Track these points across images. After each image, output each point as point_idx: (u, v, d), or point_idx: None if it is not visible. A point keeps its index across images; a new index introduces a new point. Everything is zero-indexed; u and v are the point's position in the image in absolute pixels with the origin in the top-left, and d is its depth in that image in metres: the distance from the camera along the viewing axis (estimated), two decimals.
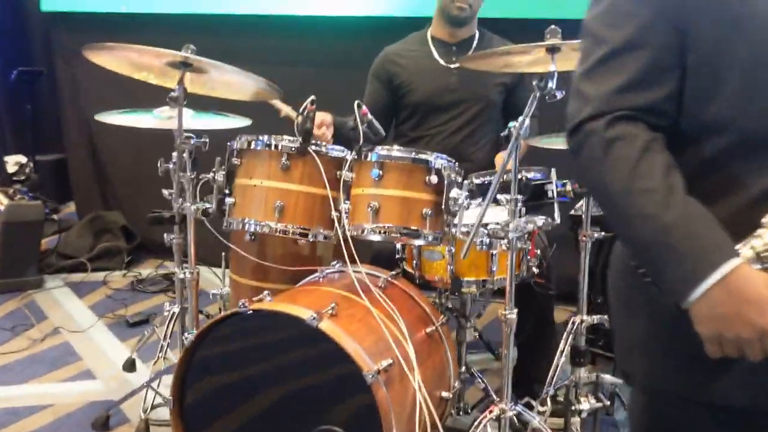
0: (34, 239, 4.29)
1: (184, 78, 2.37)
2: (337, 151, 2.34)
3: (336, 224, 2.29)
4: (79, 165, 5.02)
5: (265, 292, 2.18)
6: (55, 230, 4.78)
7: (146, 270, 4.63)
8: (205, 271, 4.37)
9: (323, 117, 2.71)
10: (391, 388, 2.00)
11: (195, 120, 2.76)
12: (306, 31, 4.22)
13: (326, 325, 2.00)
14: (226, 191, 2.41)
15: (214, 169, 2.45)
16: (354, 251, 2.27)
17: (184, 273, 2.62)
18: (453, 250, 2.38)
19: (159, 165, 2.89)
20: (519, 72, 2.77)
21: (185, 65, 2.37)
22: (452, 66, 3.04)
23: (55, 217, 4.63)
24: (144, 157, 4.76)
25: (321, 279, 2.42)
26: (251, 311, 2.07)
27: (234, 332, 2.14)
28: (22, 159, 5.47)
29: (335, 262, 2.50)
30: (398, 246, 2.58)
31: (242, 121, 2.81)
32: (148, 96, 4.51)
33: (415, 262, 2.51)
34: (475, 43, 3.08)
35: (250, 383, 2.12)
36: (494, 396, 2.63)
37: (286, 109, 2.75)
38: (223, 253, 2.94)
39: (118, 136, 4.84)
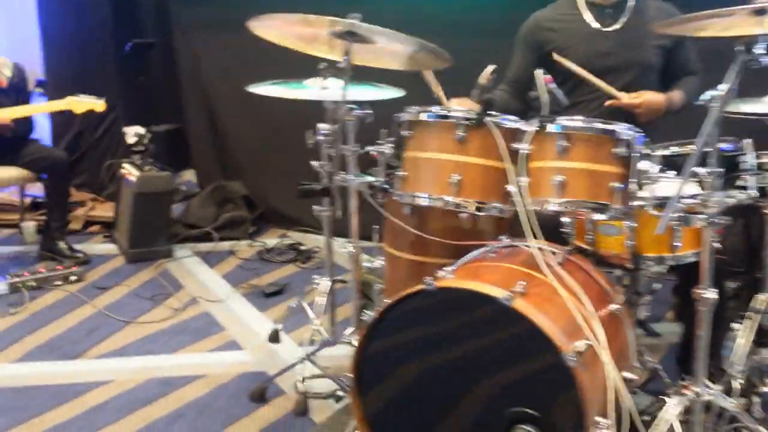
0: (164, 209, 4.35)
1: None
2: (511, 121, 2.24)
3: (514, 198, 2.20)
4: (198, 136, 5.05)
5: (447, 268, 2.12)
6: (179, 199, 4.84)
7: (270, 240, 4.65)
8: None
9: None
10: (587, 370, 1.92)
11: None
12: None
13: (521, 305, 1.93)
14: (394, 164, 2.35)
15: (380, 141, 2.39)
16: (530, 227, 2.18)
17: (345, 247, 2.56)
18: (633, 225, 2.27)
19: (307, 136, 2.85)
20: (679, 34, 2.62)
21: (351, 35, 2.30)
22: (607, 29, 2.89)
23: (183, 187, 4.66)
24: (265, 128, 4.77)
25: (493, 254, 2.34)
26: (439, 289, 2.01)
27: (417, 310, 2.08)
28: (141, 130, 5.52)
29: (503, 237, 2.42)
30: (567, 220, 2.48)
31: (395, 92, 2.74)
32: (264, 66, 4.50)
33: (588, 236, 2.40)
34: (629, 3, 2.92)
35: (434, 364, 2.07)
36: (665, 377, 2.54)
37: (434, 84, 2.68)
38: (375, 227, 2.88)
39: (237, 107, 4.86)
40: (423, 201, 2.27)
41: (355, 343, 2.57)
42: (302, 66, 4.47)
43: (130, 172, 4.37)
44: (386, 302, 2.11)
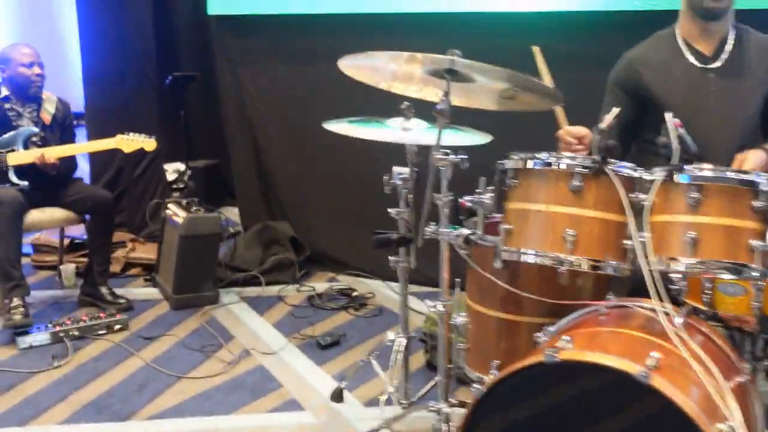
0: (211, 253, 4.14)
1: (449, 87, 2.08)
2: (628, 169, 2.02)
3: (633, 257, 1.97)
4: (243, 173, 4.85)
5: (565, 337, 1.88)
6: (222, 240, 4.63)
7: (318, 284, 4.42)
8: (381, 286, 4.19)
9: (582, 131, 2.41)
10: None
11: (427, 134, 2.50)
12: (512, 29, 3.89)
13: (659, 381, 1.69)
14: (495, 216, 2.13)
15: (478, 190, 2.17)
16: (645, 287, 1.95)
17: (433, 306, 2.33)
18: (762, 285, 2.03)
19: (385, 181, 2.65)
20: None
21: (450, 72, 2.09)
22: (709, 68, 2.67)
23: (231, 229, 4.46)
24: (313, 167, 4.57)
25: (603, 317, 2.11)
26: (562, 361, 1.77)
27: (532, 384, 1.85)
28: (181, 167, 5.36)
29: (609, 296, 2.19)
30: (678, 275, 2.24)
31: (480, 137, 2.53)
32: (317, 102, 4.30)
33: (705, 295, 2.16)
34: (731, 40, 2.70)
35: None
36: None
37: (562, 120, 2.47)
38: (456, 280, 2.64)
39: (284, 144, 4.68)
40: (530, 258, 2.04)
41: (443, 411, 2.35)
42: (356, 103, 4.29)
43: (175, 212, 4.17)
44: (496, 375, 1.88)
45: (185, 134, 5.38)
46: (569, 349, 1.84)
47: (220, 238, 4.16)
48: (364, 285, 4.37)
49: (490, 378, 1.88)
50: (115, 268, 4.58)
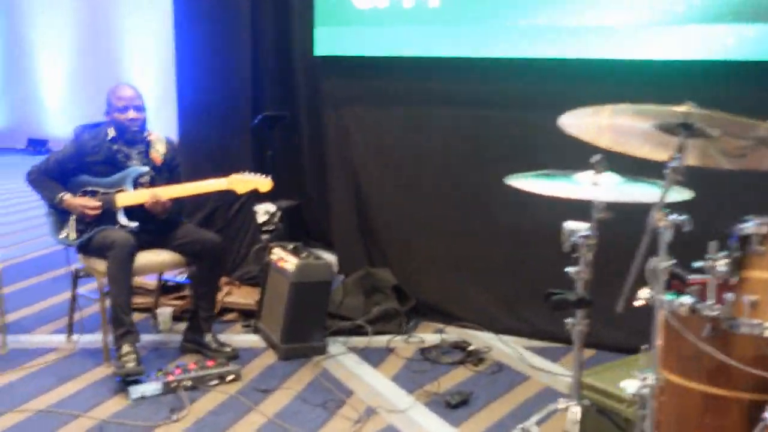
0: (321, 301, 3.95)
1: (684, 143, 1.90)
2: None
3: None
4: (343, 217, 4.69)
5: None
6: None
7: (425, 335, 4.22)
8: (492, 340, 3.88)
9: None
10: None
11: (618, 189, 2.32)
12: (633, 77, 3.75)
13: None
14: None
15: (710, 256, 1.97)
16: None
17: (643, 377, 2.12)
18: None
19: (563, 236, 2.47)
20: None
21: (686, 127, 1.92)
22: None
23: (341, 277, 4.28)
24: (417, 213, 4.42)
25: None
26: None
27: None
28: (271, 208, 5.21)
29: None
30: None
31: (679, 193, 2.34)
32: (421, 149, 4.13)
33: None
34: None
35: None
36: None
37: None
38: (643, 346, 2.44)
39: (386, 189, 4.53)
40: None
41: None
42: (466, 150, 4.13)
43: (282, 257, 4.00)
44: None
45: (273, 175, 5.25)
46: None
47: (330, 286, 3.97)
48: (474, 338, 4.17)
49: None
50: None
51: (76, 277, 3.96)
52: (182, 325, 4.22)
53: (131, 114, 3.71)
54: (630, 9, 3.71)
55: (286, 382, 3.59)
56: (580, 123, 2.20)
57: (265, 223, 5.15)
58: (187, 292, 4.56)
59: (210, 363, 3.62)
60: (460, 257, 4.33)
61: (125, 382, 3.42)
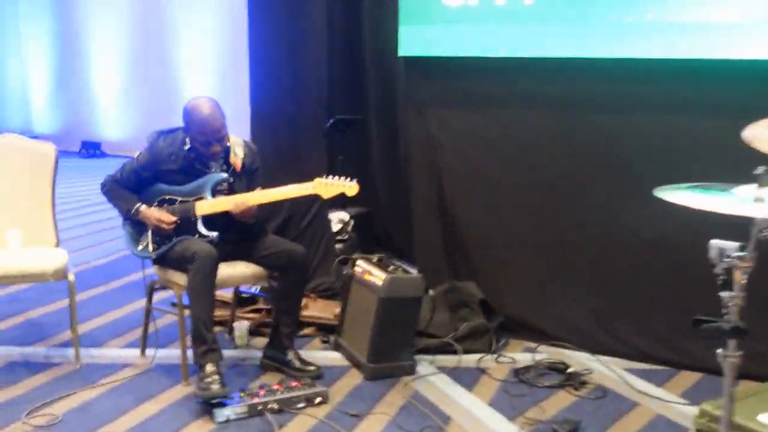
0: (411, 318, 3.72)
1: None
2: None
3: None
4: (425, 226, 4.44)
5: None
6: None
7: (516, 354, 3.96)
8: (590, 360, 3.52)
9: None
10: None
11: None
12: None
13: None
14: None
15: None
16: None
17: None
18: None
19: (712, 256, 2.20)
20: None
21: None
22: None
23: (431, 291, 4.03)
24: (507, 223, 4.16)
25: None
26: None
27: None
28: (345, 216, 4.99)
29: None
30: None
31: None
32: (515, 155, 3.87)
33: None
34: None
35: None
36: None
37: None
38: None
39: (473, 197, 4.28)
40: None
41: None
42: (563, 159, 3.83)
43: (368, 271, 3.76)
44: None
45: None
46: None
47: (420, 302, 3.73)
48: (568, 357, 3.90)
49: None
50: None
51: (151, 290, 3.77)
52: (259, 340, 4.04)
53: (215, 149, 3.47)
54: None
55: (377, 406, 3.36)
56: None
57: (339, 232, 4.93)
58: (262, 304, 4.36)
59: (295, 384, 3.41)
60: (552, 270, 4.06)
61: (209, 404, 3.21)
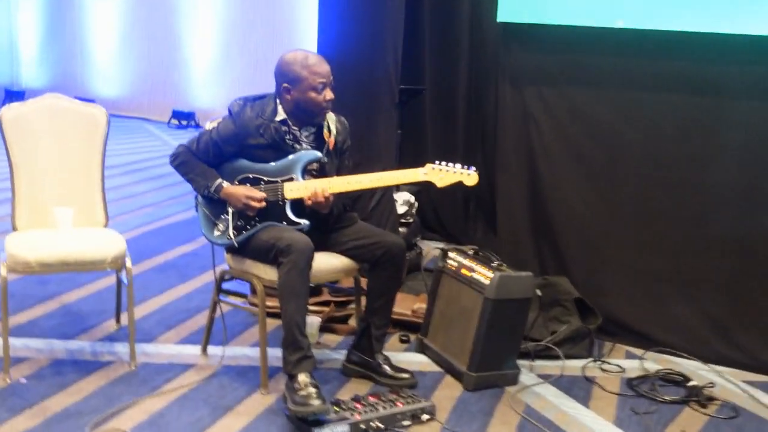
0: (520, 322, 3.30)
1: None
2: None
3: None
4: (513, 212, 4.00)
5: None
6: None
7: (619, 361, 3.57)
8: (706, 371, 3.35)
9: None
10: None
11: None
12: None
13: None
14: None
15: None
16: None
17: None
18: None
19: None
20: None
21: None
22: None
23: (539, 292, 3.58)
24: (611, 213, 3.75)
25: None
26: None
27: None
28: (410, 197, 4.54)
29: None
30: None
31: None
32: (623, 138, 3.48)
33: None
34: None
35: None
36: None
37: None
38: None
39: (573, 182, 3.84)
40: None
41: None
42: (675, 140, 3.37)
43: (468, 267, 3.32)
44: None
45: (399, 154, 4.58)
46: None
47: (529, 304, 3.30)
48: (678, 366, 3.52)
49: None
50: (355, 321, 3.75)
51: (220, 281, 3.29)
52: (330, 338, 3.60)
53: (329, 94, 3.00)
54: None
55: (492, 425, 2.95)
56: None
57: (404, 215, 4.48)
58: (327, 296, 3.90)
59: (393, 395, 2.98)
60: (661, 269, 3.66)
61: (303, 420, 2.77)
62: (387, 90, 4.20)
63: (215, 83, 9.69)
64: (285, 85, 3.01)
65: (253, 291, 3.88)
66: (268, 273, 3.02)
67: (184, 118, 9.93)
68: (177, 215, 5.78)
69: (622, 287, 3.75)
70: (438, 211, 5.20)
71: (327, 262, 3.12)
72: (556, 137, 3.80)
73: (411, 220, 4.50)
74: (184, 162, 3.09)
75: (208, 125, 3.22)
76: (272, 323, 3.42)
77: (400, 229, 4.41)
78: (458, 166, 3.03)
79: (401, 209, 4.44)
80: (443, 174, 3.02)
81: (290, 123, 3.06)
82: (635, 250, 3.71)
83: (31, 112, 3.37)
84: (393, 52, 4.17)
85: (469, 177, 3.01)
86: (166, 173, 7.14)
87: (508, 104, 3.90)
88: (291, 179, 3.04)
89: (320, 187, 2.95)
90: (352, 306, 3.68)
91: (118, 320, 3.65)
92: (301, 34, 9.06)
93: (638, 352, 3.65)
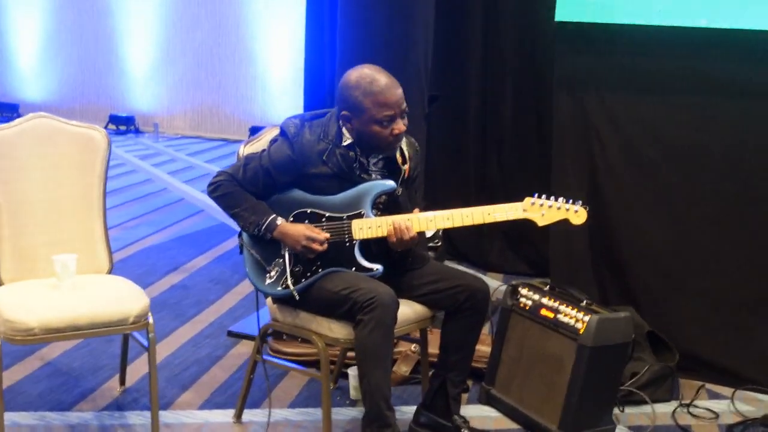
0: (617, 370, 2.84)
1: None
2: None
3: None
4: (565, 233, 3.53)
5: None
6: None
7: (706, 403, 3.16)
8: None
9: None
10: None
11: None
12: None
13: None
14: None
15: None
16: None
17: None
18: None
19: None
20: None
21: None
22: None
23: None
24: (684, 235, 3.34)
25: None
26: None
27: None
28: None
29: None
30: None
31: None
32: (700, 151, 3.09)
33: None
34: None
35: None
36: None
37: None
38: None
39: (640, 199, 3.43)
40: None
41: None
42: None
43: (549, 307, 2.85)
44: None
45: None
46: None
47: (628, 349, 2.86)
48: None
49: None
50: (401, 369, 3.24)
51: (263, 337, 2.73)
52: None
53: (398, 127, 2.46)
54: None
55: None
56: None
57: (431, 239, 3.98)
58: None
59: None
60: (749, 298, 3.27)
61: None
62: (417, 100, 3.68)
63: (156, 85, 8.93)
64: (344, 112, 2.46)
65: (277, 336, 3.31)
66: (335, 330, 2.48)
67: (122, 123, 9.15)
68: (148, 238, 5.09)
69: (700, 318, 3.34)
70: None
71: (403, 312, 2.58)
72: (620, 151, 3.37)
73: (439, 243, 4.00)
74: (228, 194, 2.50)
75: (246, 148, 2.64)
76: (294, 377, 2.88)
77: (429, 253, 3.90)
78: (561, 200, 2.54)
79: (429, 232, 3.93)
80: (545, 210, 2.53)
81: (358, 149, 2.52)
82: (715, 277, 3.31)
83: (14, 136, 2.72)
84: (423, 58, 3.67)
85: (576, 215, 2.52)
86: (122, 186, 6.43)
87: (564, 114, 3.45)
88: (359, 215, 2.50)
89: (404, 223, 2.42)
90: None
91: (122, 382, 3.02)
92: (252, 29, 8.42)
93: (723, 390, 3.25)
